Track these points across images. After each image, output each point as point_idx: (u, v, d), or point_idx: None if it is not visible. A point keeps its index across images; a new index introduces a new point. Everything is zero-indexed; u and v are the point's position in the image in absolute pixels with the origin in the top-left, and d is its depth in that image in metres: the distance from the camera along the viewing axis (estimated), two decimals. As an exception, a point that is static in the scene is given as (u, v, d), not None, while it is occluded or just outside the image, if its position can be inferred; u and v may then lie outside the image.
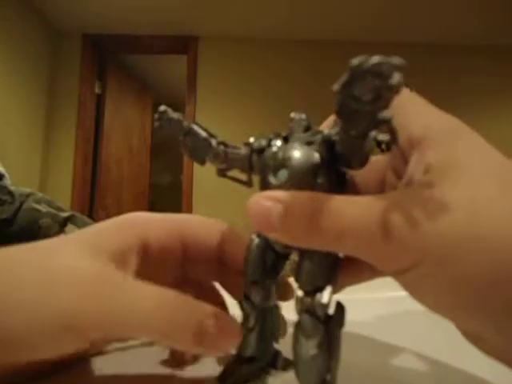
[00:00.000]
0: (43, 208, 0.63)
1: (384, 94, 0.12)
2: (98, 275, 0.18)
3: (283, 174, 0.18)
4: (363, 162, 0.16)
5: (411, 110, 0.18)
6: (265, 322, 0.20)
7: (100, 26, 2.78)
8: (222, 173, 0.22)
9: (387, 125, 0.14)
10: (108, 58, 3.00)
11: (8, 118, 2.31)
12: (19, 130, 2.43)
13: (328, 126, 0.20)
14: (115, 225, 0.21)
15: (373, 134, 0.15)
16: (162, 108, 0.20)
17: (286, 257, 0.20)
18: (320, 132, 0.18)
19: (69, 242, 0.20)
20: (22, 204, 0.61)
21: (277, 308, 0.21)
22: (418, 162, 0.16)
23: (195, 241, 0.23)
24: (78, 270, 0.18)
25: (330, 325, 0.17)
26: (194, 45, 2.84)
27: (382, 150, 0.17)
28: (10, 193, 0.61)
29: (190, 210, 2.65)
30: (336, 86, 0.13)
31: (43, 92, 2.70)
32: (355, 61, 0.12)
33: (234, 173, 0.22)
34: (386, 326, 0.31)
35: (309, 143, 0.18)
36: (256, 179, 0.21)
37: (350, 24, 2.66)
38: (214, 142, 0.21)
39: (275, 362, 0.21)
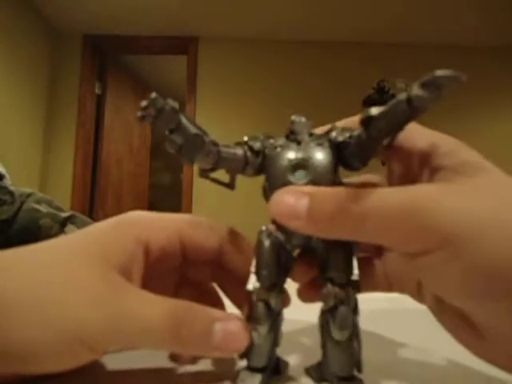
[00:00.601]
0: (43, 208, 0.63)
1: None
2: (105, 287, 0.18)
3: (301, 174, 0.19)
4: (366, 162, 0.18)
5: (415, 132, 0.19)
6: (275, 327, 0.19)
7: (100, 26, 2.78)
8: (205, 174, 0.20)
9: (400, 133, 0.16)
10: (108, 58, 3.00)
11: (8, 118, 2.31)
12: (20, 131, 2.43)
13: (321, 131, 0.21)
14: (118, 230, 0.21)
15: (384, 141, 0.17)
16: (154, 95, 0.17)
17: (293, 257, 0.20)
18: (323, 136, 0.20)
19: (78, 252, 0.19)
20: (22, 204, 0.61)
21: (281, 313, 0.20)
22: (434, 170, 0.18)
23: (195, 242, 0.22)
24: (86, 283, 0.17)
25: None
26: (193, 45, 2.84)
27: (383, 164, 0.21)
28: (11, 193, 0.61)
29: (189, 210, 2.65)
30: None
31: (44, 92, 2.70)
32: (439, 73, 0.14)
33: (218, 174, 0.21)
34: (387, 324, 0.31)
35: (319, 144, 0.19)
36: (242, 182, 0.20)
37: (352, 25, 2.66)
38: (207, 139, 0.19)
39: (278, 367, 0.20)
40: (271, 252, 0.19)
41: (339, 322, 0.18)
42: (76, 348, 0.16)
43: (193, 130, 0.19)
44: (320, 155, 0.19)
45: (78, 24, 2.75)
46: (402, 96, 0.15)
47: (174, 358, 0.23)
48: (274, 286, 0.19)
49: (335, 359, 0.18)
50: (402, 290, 0.22)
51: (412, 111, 0.15)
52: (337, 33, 2.76)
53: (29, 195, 0.65)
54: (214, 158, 0.19)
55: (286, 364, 0.20)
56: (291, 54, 2.84)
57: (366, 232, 0.16)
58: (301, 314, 0.25)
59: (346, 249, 0.19)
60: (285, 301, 0.21)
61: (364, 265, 0.21)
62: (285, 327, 0.20)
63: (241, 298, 0.20)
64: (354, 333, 0.18)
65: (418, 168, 0.19)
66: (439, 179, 0.17)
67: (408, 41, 2.78)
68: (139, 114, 0.17)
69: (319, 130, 0.21)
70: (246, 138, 0.20)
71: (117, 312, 0.17)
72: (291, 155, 0.19)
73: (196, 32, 2.81)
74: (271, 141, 0.20)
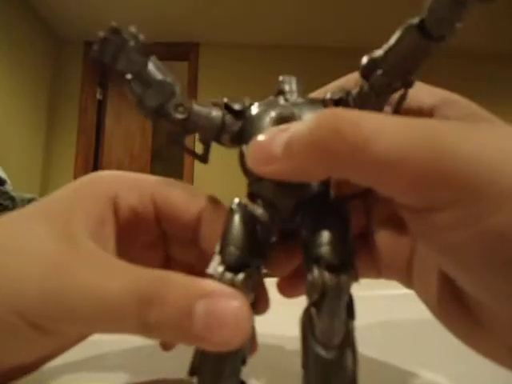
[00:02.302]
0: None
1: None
2: (55, 251, 0.14)
3: None
4: None
5: (425, 91, 0.17)
6: None
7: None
8: (174, 138, 0.17)
9: (408, 86, 0.12)
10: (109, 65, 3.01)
11: (10, 123, 2.32)
12: (21, 136, 2.44)
13: (349, 80, 0.18)
14: (82, 189, 0.17)
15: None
16: (115, 25, 0.14)
17: (271, 237, 0.16)
18: (316, 99, 0.16)
19: (32, 215, 0.16)
20: (23, 210, 0.61)
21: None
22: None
23: (171, 206, 0.18)
24: (32, 248, 0.14)
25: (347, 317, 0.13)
26: (194, 51, 2.85)
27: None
28: (12, 198, 0.61)
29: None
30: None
31: (45, 98, 2.71)
32: None
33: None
34: (385, 324, 0.31)
35: (312, 103, 0.16)
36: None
37: (353, 31, 2.67)
38: (178, 89, 0.16)
39: None
40: (242, 225, 0.15)
41: (328, 319, 0.13)
42: (17, 323, 0.13)
43: (160, 76, 0.15)
44: (312, 112, 0.15)
45: (80, 30, 2.76)
46: (412, 21, 0.11)
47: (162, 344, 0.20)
48: (242, 267, 0.14)
49: (319, 375, 0.13)
50: (391, 276, 0.19)
51: (427, 38, 0.11)
52: (338, 38, 2.77)
53: (30, 200, 0.65)
54: (183, 114, 0.16)
55: None
56: (292, 59, 2.85)
57: (363, 167, 0.12)
58: (282, 326, 0.19)
59: (339, 223, 0.14)
60: (262, 302, 0.17)
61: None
62: (263, 340, 0.16)
63: None
64: (348, 341, 0.13)
65: None
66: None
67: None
68: (94, 48, 0.14)
69: (313, 95, 0.19)
70: (225, 99, 0.17)
71: (63, 281, 0.13)
72: (277, 110, 0.16)
73: (197, 38, 2.83)
74: (255, 104, 0.17)
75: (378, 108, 0.14)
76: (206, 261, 0.17)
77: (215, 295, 0.12)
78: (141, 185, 0.18)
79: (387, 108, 0.15)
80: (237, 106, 0.16)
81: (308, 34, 2.73)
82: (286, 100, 0.16)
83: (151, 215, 0.18)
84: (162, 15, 2.57)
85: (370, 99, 0.14)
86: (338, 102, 0.15)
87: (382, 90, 0.13)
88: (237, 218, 0.15)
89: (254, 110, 0.17)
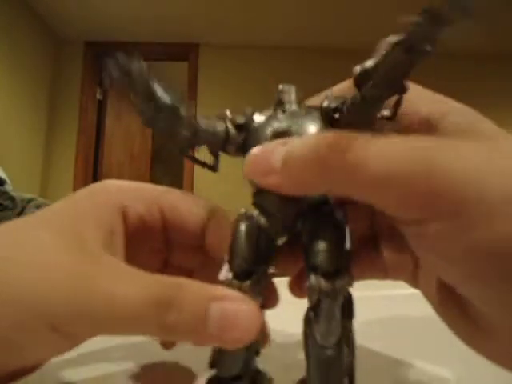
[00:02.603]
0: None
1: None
2: (75, 259, 0.15)
3: None
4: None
5: (422, 95, 0.17)
6: None
7: (101, 33, 2.79)
8: (185, 151, 0.18)
9: (402, 94, 0.13)
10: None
11: (10, 123, 2.32)
12: (21, 136, 2.44)
13: (341, 90, 0.19)
14: (91, 199, 0.18)
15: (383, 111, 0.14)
16: (117, 54, 0.15)
17: (275, 244, 0.17)
18: (315, 106, 0.17)
19: (45, 224, 0.16)
20: (23, 209, 0.61)
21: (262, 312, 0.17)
22: (443, 131, 0.15)
23: (177, 214, 0.19)
24: (51, 256, 0.15)
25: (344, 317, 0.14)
26: (194, 52, 2.86)
27: (389, 118, 0.16)
28: (12, 198, 0.61)
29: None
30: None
31: (45, 98, 2.71)
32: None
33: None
34: (384, 325, 0.31)
35: (308, 113, 0.17)
36: (225, 161, 0.18)
37: (352, 31, 2.67)
38: (183, 109, 0.17)
39: (257, 379, 0.17)
40: (247, 236, 0.16)
41: (325, 321, 0.14)
42: (47, 333, 0.14)
43: (167, 99, 0.17)
44: (306, 124, 0.16)
45: (80, 31, 2.77)
46: (394, 38, 0.12)
47: (163, 344, 0.21)
48: (248, 275, 0.15)
49: (319, 372, 0.14)
50: (397, 277, 0.19)
51: (409, 54, 0.12)
52: (337, 39, 2.77)
53: (30, 201, 0.65)
54: (190, 131, 0.17)
55: (267, 379, 0.17)
56: (292, 59, 2.85)
57: (357, 186, 0.13)
58: (295, 321, 0.22)
59: (336, 232, 0.15)
60: (271, 299, 0.18)
61: (360, 249, 0.19)
62: (275, 336, 0.17)
63: None
64: (345, 339, 0.14)
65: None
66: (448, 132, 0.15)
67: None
68: (104, 73, 0.15)
69: (312, 101, 0.19)
70: (228, 112, 0.18)
71: (86, 289, 0.14)
72: (275, 125, 0.17)
73: (196, 38, 2.83)
74: (257, 114, 0.18)
75: (372, 115, 0.15)
76: (206, 267, 0.20)
77: (227, 299, 0.14)
78: (148, 194, 0.19)
79: (385, 111, 0.15)
80: (239, 120, 0.18)
81: (308, 34, 2.73)
82: (284, 111, 0.17)
83: (158, 223, 0.19)
84: (161, 15, 2.57)
85: (361, 109, 0.15)
86: (334, 111, 0.16)
87: (373, 100, 0.14)
88: (242, 229, 0.16)
89: (255, 121, 0.18)
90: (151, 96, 0.16)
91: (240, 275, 0.15)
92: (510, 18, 2.44)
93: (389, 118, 0.15)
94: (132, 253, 0.18)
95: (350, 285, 0.14)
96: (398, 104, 0.15)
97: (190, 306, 0.13)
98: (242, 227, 0.16)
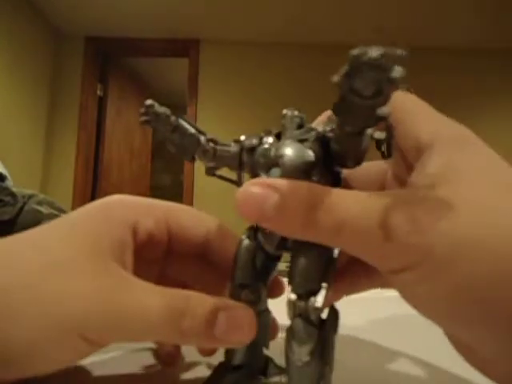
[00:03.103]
0: (45, 209, 0.63)
1: (384, 88, 0.11)
2: (103, 277, 0.16)
3: (275, 173, 0.17)
4: (358, 160, 0.16)
5: (420, 117, 0.17)
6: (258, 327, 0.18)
7: (102, 29, 2.78)
8: (210, 171, 0.21)
9: (385, 121, 0.13)
10: (110, 60, 3.00)
11: (10, 119, 2.32)
12: (21, 132, 2.44)
13: (321, 122, 0.20)
14: (104, 214, 0.19)
15: (369, 131, 0.15)
16: (149, 102, 0.19)
17: (276, 259, 0.19)
18: (313, 129, 0.18)
19: (69, 247, 0.17)
20: (23, 205, 0.61)
21: (268, 313, 0.20)
22: (423, 166, 0.16)
23: (182, 229, 0.21)
24: (83, 274, 0.16)
25: (323, 330, 0.16)
26: (195, 48, 2.85)
27: (384, 156, 0.18)
28: (12, 194, 0.61)
29: (190, 213, 2.65)
30: (336, 78, 0.12)
31: (45, 94, 2.71)
32: (354, 52, 0.11)
33: (225, 171, 0.21)
34: (383, 326, 0.31)
35: (302, 140, 0.17)
36: (247, 178, 0.20)
37: (353, 27, 2.66)
38: (202, 138, 0.20)
39: (266, 369, 0.20)
40: (247, 252, 0.19)
41: (297, 336, 0.16)
42: (76, 343, 0.16)
43: (190, 130, 0.20)
44: (292, 153, 0.17)
45: (80, 26, 2.76)
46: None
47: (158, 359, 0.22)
48: (244, 287, 0.19)
49: (293, 378, 0.16)
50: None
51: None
52: (338, 35, 2.76)
53: (30, 196, 0.65)
54: (211, 157, 0.20)
55: (279, 369, 0.20)
56: (292, 56, 2.84)
57: (339, 244, 0.15)
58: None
59: (316, 251, 0.16)
60: (277, 289, 0.21)
61: (352, 261, 0.20)
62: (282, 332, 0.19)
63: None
64: (319, 350, 0.16)
65: (414, 160, 0.17)
66: (423, 181, 0.15)
67: (409, 43, 2.78)
68: (141, 119, 0.19)
69: (317, 122, 0.20)
70: (242, 137, 0.20)
71: (118, 304, 0.16)
72: (266, 152, 0.18)
73: (197, 34, 2.82)
74: (265, 138, 0.19)
75: (356, 144, 0.15)
76: (200, 279, 0.23)
77: (231, 308, 0.17)
78: (156, 210, 0.21)
79: (376, 134, 0.16)
80: (248, 144, 0.19)
81: (309, 31, 2.72)
82: (279, 138, 0.19)
83: (165, 237, 0.21)
84: (162, 11, 2.56)
85: (345, 140, 0.16)
86: (326, 138, 0.17)
87: (351, 134, 0.15)
88: (243, 245, 0.19)
89: (263, 144, 0.19)
90: (177, 128, 0.19)
91: (237, 285, 0.19)
92: (510, 14, 2.43)
93: (383, 156, 0.16)
94: (136, 264, 0.20)
95: (322, 304, 0.16)
96: (389, 144, 0.16)
97: (201, 315, 0.16)
98: (244, 244, 0.19)
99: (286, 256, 0.18)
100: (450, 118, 0.17)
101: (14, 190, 0.64)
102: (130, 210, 0.20)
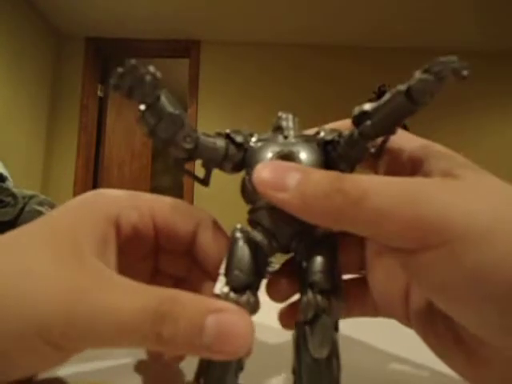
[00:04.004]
0: (45, 210, 0.63)
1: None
2: (71, 273, 0.15)
3: None
4: (353, 166, 0.17)
5: (402, 138, 0.18)
6: None
7: (103, 29, 2.79)
8: (180, 163, 0.19)
9: (387, 138, 0.16)
10: (110, 61, 3.01)
11: (11, 120, 2.32)
12: (22, 133, 2.44)
13: (341, 126, 0.20)
14: (85, 208, 0.18)
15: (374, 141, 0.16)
16: (133, 61, 0.15)
17: (269, 260, 0.18)
18: (311, 136, 0.18)
19: (41, 236, 0.16)
20: (24, 206, 0.61)
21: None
22: (427, 174, 0.16)
23: (169, 223, 0.19)
24: (49, 270, 0.15)
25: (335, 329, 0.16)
26: (195, 49, 2.85)
27: (375, 157, 0.18)
28: (13, 195, 0.61)
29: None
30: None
31: (46, 95, 2.71)
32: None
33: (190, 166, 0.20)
34: (382, 326, 0.31)
35: (307, 141, 0.18)
36: (216, 178, 0.19)
37: (352, 29, 2.66)
38: (187, 120, 0.17)
39: None
40: (246, 250, 0.17)
41: (319, 335, 0.15)
42: (40, 348, 0.14)
43: (171, 108, 0.16)
44: (308, 151, 0.18)
45: (81, 27, 2.76)
46: (401, 87, 0.14)
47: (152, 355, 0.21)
48: (246, 289, 0.16)
49: (311, 381, 0.15)
50: (388, 315, 0.20)
51: (411, 103, 0.14)
52: (338, 36, 2.76)
53: (31, 197, 0.65)
54: (191, 144, 0.17)
55: None
56: (293, 57, 2.84)
57: (360, 218, 0.14)
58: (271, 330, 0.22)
59: (329, 253, 0.17)
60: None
61: (350, 287, 0.20)
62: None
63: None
64: (334, 351, 0.15)
65: (409, 174, 0.18)
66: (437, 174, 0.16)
67: (408, 45, 2.78)
68: (112, 81, 0.15)
69: (308, 132, 0.21)
70: (228, 130, 0.19)
71: (89, 305, 0.14)
72: (277, 148, 0.18)
73: (198, 35, 2.82)
74: (254, 136, 0.19)
75: (364, 149, 0.17)
76: (196, 275, 0.20)
77: (224, 312, 0.14)
78: (140, 203, 0.19)
79: (374, 149, 0.17)
80: (239, 139, 0.18)
81: (309, 32, 2.72)
82: (286, 137, 0.18)
83: (151, 231, 0.19)
84: (163, 12, 2.56)
85: (358, 143, 0.17)
86: (327, 142, 0.18)
87: (369, 137, 0.16)
88: (240, 243, 0.17)
89: (255, 142, 0.19)
90: (156, 104, 0.16)
91: (237, 288, 0.16)
92: (509, 17, 2.43)
93: (375, 154, 0.17)
94: (124, 261, 0.19)
95: (344, 301, 0.16)
96: (384, 142, 0.17)
97: (185, 319, 0.13)
98: (240, 241, 0.17)
99: (280, 258, 0.18)
100: (450, 121, 0.18)
101: (15, 190, 0.64)
102: (111, 203, 0.19)
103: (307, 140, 0.18)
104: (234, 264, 0.17)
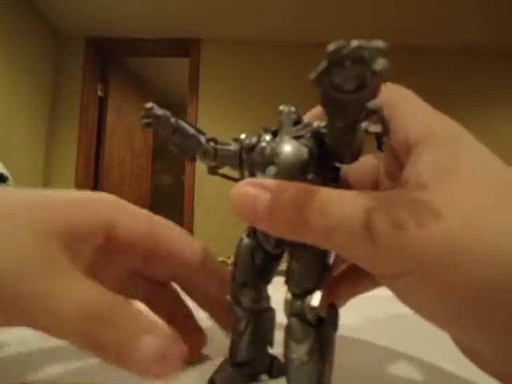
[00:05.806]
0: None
1: (369, 82, 0.11)
2: (30, 253, 0.15)
3: (271, 171, 0.17)
4: (355, 155, 0.16)
5: (409, 111, 0.16)
6: (256, 325, 0.19)
7: (103, 29, 2.78)
8: (212, 170, 0.21)
9: (377, 115, 0.13)
10: (110, 60, 3.00)
11: (11, 120, 2.32)
12: (22, 133, 2.44)
13: (314, 115, 0.19)
14: (82, 201, 0.19)
15: (363, 125, 0.15)
16: (149, 105, 0.20)
17: (278, 258, 0.19)
18: (309, 125, 0.17)
19: (20, 215, 0.16)
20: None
21: (271, 311, 0.20)
22: (413, 165, 0.15)
23: (164, 243, 0.20)
24: (13, 244, 0.15)
25: (322, 329, 0.16)
26: (195, 47, 2.85)
27: (380, 148, 0.18)
28: (14, 195, 0.61)
29: (191, 211, 2.65)
30: (312, 75, 0.11)
31: (46, 94, 2.71)
32: (332, 46, 0.11)
33: (227, 170, 0.21)
34: (382, 325, 0.31)
35: (297, 137, 0.17)
36: (216, 178, 0.21)
37: (352, 26, 2.66)
38: (202, 138, 0.20)
39: (271, 368, 0.20)
40: (246, 252, 0.19)
41: (294, 333, 0.16)
42: None
43: (190, 131, 0.20)
44: (287, 150, 0.17)
45: (81, 26, 2.76)
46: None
47: None
48: (244, 285, 0.19)
49: (291, 376, 0.16)
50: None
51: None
52: (338, 35, 2.75)
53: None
54: (211, 156, 0.20)
55: (281, 368, 0.18)
56: (293, 55, 2.84)
57: (329, 245, 0.14)
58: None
59: (315, 251, 0.16)
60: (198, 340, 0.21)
61: (348, 266, 0.20)
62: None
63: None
64: (318, 349, 0.16)
65: (405, 157, 0.16)
66: (413, 182, 0.15)
67: (408, 42, 2.77)
68: (142, 121, 0.20)
69: (309, 116, 0.20)
70: (242, 136, 0.19)
71: (29, 284, 0.14)
72: (263, 150, 0.18)
73: (198, 34, 2.82)
74: (263, 135, 0.19)
75: (355, 139, 0.15)
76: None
77: (159, 335, 0.14)
78: (140, 216, 0.20)
79: (372, 127, 0.15)
80: (248, 142, 0.19)
81: (310, 30, 2.72)
82: (275, 136, 0.18)
83: (143, 245, 0.20)
84: (163, 11, 2.56)
85: (338, 133, 0.15)
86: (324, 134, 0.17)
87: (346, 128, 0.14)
88: (243, 244, 0.19)
89: (261, 142, 0.19)
90: (177, 130, 0.20)
91: (238, 284, 0.19)
92: (510, 15, 2.43)
93: (380, 135, 0.15)
94: (107, 262, 0.19)
95: (318, 303, 0.16)
96: (381, 137, 0.16)
97: (119, 330, 0.14)
98: (244, 243, 0.19)
99: (287, 256, 0.18)
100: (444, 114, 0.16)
101: (16, 190, 0.64)
102: (111, 207, 0.20)
103: (298, 136, 0.17)
104: (237, 263, 0.19)
